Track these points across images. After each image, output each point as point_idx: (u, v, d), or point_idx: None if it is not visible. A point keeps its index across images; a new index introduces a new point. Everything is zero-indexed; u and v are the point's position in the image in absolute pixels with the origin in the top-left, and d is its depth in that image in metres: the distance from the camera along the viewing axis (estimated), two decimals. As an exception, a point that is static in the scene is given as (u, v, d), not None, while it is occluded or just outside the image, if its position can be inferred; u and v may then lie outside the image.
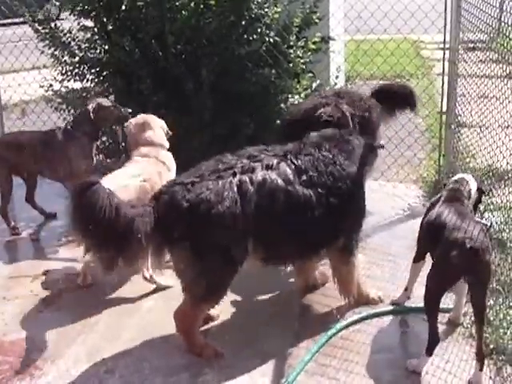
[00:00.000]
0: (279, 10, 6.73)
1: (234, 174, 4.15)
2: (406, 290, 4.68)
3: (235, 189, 4.10)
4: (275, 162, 4.27)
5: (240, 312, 4.82)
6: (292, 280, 5.19)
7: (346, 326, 4.54)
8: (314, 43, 6.99)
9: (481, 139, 5.77)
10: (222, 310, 4.70)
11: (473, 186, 4.46)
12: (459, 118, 6.45)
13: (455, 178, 4.58)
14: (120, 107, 6.15)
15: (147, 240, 4.01)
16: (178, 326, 4.31)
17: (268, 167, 4.23)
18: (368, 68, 8.56)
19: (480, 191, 4.55)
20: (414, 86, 8.77)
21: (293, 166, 4.30)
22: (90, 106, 6.08)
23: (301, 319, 4.75)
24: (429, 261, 4.29)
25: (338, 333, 4.47)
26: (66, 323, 4.81)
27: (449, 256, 3.87)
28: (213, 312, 4.64)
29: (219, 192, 4.05)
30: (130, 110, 6.14)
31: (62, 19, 7.66)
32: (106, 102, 6.25)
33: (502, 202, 5.18)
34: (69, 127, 6.23)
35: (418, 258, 4.54)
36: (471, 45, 6.40)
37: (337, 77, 7.38)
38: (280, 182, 4.21)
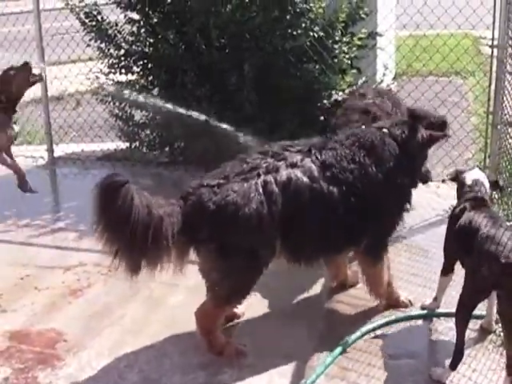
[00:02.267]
0: (324, 4, 6.64)
1: (259, 175, 4.11)
2: (435, 299, 4.53)
3: (261, 190, 4.05)
4: (299, 158, 4.21)
5: (265, 311, 4.76)
6: (320, 280, 5.10)
7: (372, 330, 4.43)
8: (359, 39, 6.88)
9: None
10: (247, 309, 4.64)
11: (486, 184, 4.30)
12: (509, 117, 6.24)
13: (468, 181, 4.36)
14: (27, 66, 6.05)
15: (174, 240, 3.99)
16: (199, 324, 4.28)
17: (292, 165, 4.17)
18: (426, 65, 8.38)
19: (494, 188, 4.43)
20: (473, 84, 8.65)
21: (317, 162, 4.23)
22: None
23: (326, 320, 4.67)
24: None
25: (363, 336, 4.37)
26: (93, 315, 4.83)
27: (480, 269, 3.71)
28: (238, 310, 4.60)
29: (245, 194, 4.02)
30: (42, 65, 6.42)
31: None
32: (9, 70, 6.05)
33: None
34: None
35: (447, 271, 4.39)
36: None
37: (384, 74, 7.24)
38: (305, 179, 4.15)
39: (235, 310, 4.56)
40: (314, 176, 4.17)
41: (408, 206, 4.59)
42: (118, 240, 3.95)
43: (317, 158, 4.24)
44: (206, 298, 4.27)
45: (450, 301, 4.40)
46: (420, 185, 6.43)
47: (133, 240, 3.88)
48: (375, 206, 4.34)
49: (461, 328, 3.89)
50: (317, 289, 5.05)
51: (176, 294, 5.02)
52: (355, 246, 4.51)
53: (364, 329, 4.40)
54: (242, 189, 4.03)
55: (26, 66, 6.04)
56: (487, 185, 4.31)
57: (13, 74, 5.99)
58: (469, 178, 4.35)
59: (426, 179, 4.93)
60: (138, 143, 7.60)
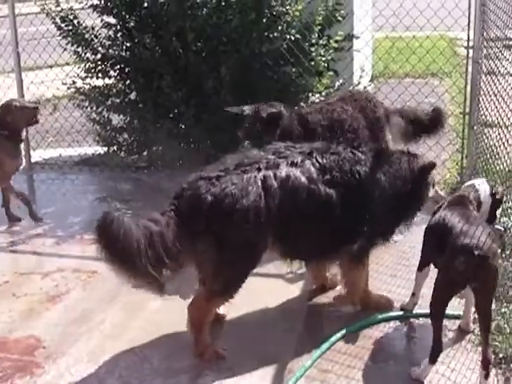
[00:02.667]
0: (300, 7, 6.65)
1: (259, 169, 4.14)
2: (413, 295, 4.57)
3: (259, 184, 4.09)
4: (300, 159, 4.25)
5: (245, 314, 4.74)
6: (300, 282, 5.11)
7: (351, 331, 4.44)
8: (336, 41, 6.91)
9: (507, 140, 5.60)
10: (228, 312, 4.64)
11: (483, 191, 4.33)
12: (484, 117, 6.29)
13: (465, 184, 4.46)
14: (30, 104, 6.23)
15: (176, 248, 4.00)
16: (190, 318, 4.26)
17: (293, 164, 4.22)
18: (402, 67, 8.42)
19: (494, 196, 4.41)
20: (449, 85, 8.70)
21: (317, 165, 4.27)
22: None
23: (306, 323, 4.67)
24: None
25: (342, 338, 4.37)
26: (72, 322, 4.80)
27: (455, 263, 3.75)
28: (221, 312, 4.60)
29: (244, 186, 4.04)
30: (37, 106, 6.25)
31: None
32: (15, 102, 6.19)
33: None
34: None
35: (423, 266, 4.43)
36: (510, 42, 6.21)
37: (360, 76, 7.27)
38: (303, 179, 4.19)
39: (218, 311, 4.55)
40: (313, 178, 4.21)
41: (406, 224, 4.68)
42: (129, 269, 3.99)
43: (317, 160, 4.28)
44: (198, 292, 4.28)
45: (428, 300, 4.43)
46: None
47: (134, 268, 3.93)
48: (371, 217, 4.37)
49: (437, 322, 3.94)
50: (297, 291, 5.05)
51: (155, 299, 4.97)
52: (343, 252, 4.51)
53: (344, 330, 4.41)
54: (240, 181, 4.05)
55: (35, 109, 6.27)
56: (484, 191, 4.34)
57: (18, 107, 6.15)
58: (468, 183, 4.49)
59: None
60: (115, 148, 7.58)
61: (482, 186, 4.35)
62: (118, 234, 3.85)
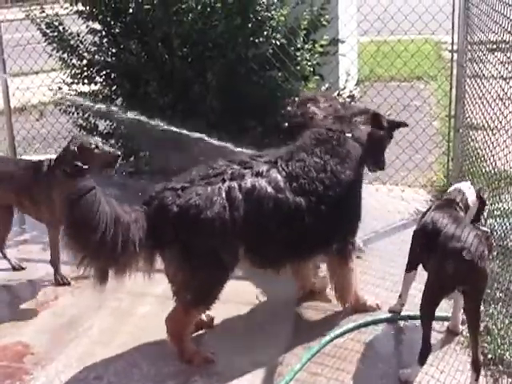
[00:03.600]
0: (285, 12, 6.67)
1: (224, 181, 4.15)
2: (400, 297, 4.59)
3: (223, 195, 4.10)
4: (265, 168, 4.26)
5: (233, 319, 4.76)
6: (289, 286, 5.11)
7: (340, 334, 4.45)
8: (321, 46, 6.93)
9: (492, 143, 5.63)
10: (216, 317, 4.64)
11: (470, 195, 4.36)
12: (470, 120, 6.32)
13: (451, 188, 4.50)
14: (107, 149, 5.33)
15: (141, 246, 4.00)
16: (169, 331, 4.27)
17: (258, 174, 4.23)
18: (388, 70, 8.45)
19: (480, 199, 4.44)
20: (434, 88, 8.75)
21: (283, 173, 4.28)
22: (72, 146, 5.18)
23: (294, 327, 4.67)
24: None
25: (331, 341, 4.39)
26: (60, 328, 4.80)
27: (445, 266, 3.79)
28: (206, 318, 4.60)
29: (208, 197, 4.06)
30: (118, 153, 5.37)
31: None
32: (89, 141, 5.31)
33: (509, 207, 5.04)
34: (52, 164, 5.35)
35: (410, 268, 4.45)
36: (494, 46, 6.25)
37: (346, 80, 7.30)
38: (269, 189, 4.20)
39: (203, 318, 4.55)
40: (279, 186, 4.22)
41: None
42: (85, 247, 3.93)
43: (283, 169, 4.30)
44: (175, 304, 4.26)
45: (417, 303, 4.44)
46: (385, 189, 6.55)
47: (100, 247, 3.88)
48: (341, 211, 4.40)
49: (426, 324, 3.97)
50: (285, 295, 5.06)
51: (144, 304, 5.01)
52: (322, 252, 4.54)
53: (333, 334, 4.43)
54: (205, 192, 4.08)
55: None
56: (471, 195, 4.37)
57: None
58: (453, 186, 4.51)
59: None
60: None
61: (469, 190, 4.39)
62: (89, 206, 3.82)
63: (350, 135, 4.58)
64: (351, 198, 4.50)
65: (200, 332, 4.57)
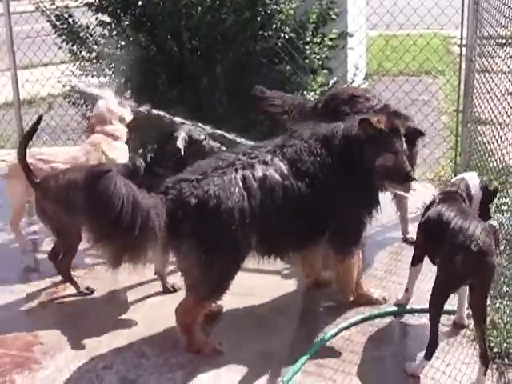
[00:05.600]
0: (294, 5, 6.69)
1: (237, 170, 4.16)
2: (406, 291, 4.60)
3: (241, 184, 4.10)
4: (269, 157, 4.29)
5: (241, 310, 4.79)
6: (295, 278, 5.14)
7: (347, 327, 4.48)
8: (330, 39, 6.94)
9: (500, 137, 5.64)
10: (224, 307, 4.68)
11: (474, 184, 4.35)
12: (478, 115, 6.33)
13: (455, 178, 4.50)
14: (210, 142, 5.15)
15: (159, 232, 3.97)
16: (179, 321, 4.29)
17: (265, 163, 4.25)
18: (396, 64, 8.45)
19: (485, 189, 4.42)
20: (442, 83, 8.76)
21: (285, 161, 4.30)
22: (181, 141, 4.97)
23: (302, 318, 4.71)
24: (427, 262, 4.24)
25: (338, 333, 4.41)
26: (69, 318, 4.85)
27: (454, 259, 3.79)
28: (215, 309, 4.63)
29: (226, 187, 4.05)
30: (218, 145, 5.15)
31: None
32: (198, 132, 5.16)
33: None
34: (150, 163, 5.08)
35: (417, 261, 4.47)
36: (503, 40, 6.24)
37: (354, 74, 7.31)
38: (277, 176, 4.23)
39: (212, 308, 4.57)
40: (284, 173, 4.25)
41: (377, 204, 4.61)
42: (101, 227, 3.92)
43: (283, 156, 4.32)
44: (186, 295, 4.28)
45: (423, 296, 4.47)
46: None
47: (117, 227, 3.84)
48: (335, 196, 4.38)
49: (434, 319, 3.97)
50: (292, 287, 5.09)
51: (153, 294, 5.04)
52: (320, 238, 4.53)
53: (339, 326, 4.45)
54: (222, 182, 4.06)
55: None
56: (475, 185, 4.36)
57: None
58: (456, 177, 4.52)
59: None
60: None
61: (472, 180, 4.38)
62: (108, 187, 3.80)
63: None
64: (350, 191, 4.42)
65: (208, 323, 4.58)
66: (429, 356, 3.94)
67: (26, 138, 5.17)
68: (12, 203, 5.77)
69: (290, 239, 4.40)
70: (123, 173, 4.74)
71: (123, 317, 4.80)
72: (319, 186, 4.32)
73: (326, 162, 4.37)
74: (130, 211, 3.83)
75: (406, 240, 5.67)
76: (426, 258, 4.35)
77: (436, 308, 3.99)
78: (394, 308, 4.65)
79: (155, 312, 4.82)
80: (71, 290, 5.15)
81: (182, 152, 4.92)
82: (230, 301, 4.50)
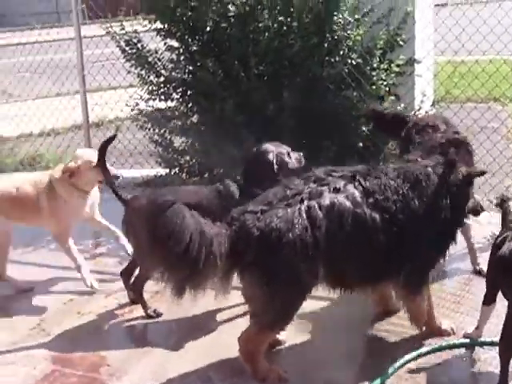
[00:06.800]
0: (361, 32, 6.68)
1: (302, 201, 4.12)
2: (477, 328, 4.48)
3: (304, 216, 4.07)
4: (342, 184, 4.23)
5: (306, 338, 4.75)
6: (362, 307, 5.09)
7: (414, 358, 4.39)
8: (397, 66, 6.90)
9: None
10: (289, 335, 4.65)
11: None
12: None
13: None
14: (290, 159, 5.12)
15: (222, 260, 4.00)
16: (242, 350, 4.27)
17: (335, 190, 4.19)
18: (464, 91, 8.37)
19: None
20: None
21: (360, 188, 4.24)
22: (272, 157, 4.99)
23: (367, 348, 4.67)
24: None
25: (405, 365, 4.33)
26: (135, 340, 4.92)
27: None
28: (280, 337, 4.60)
29: (289, 220, 4.04)
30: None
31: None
32: (285, 151, 5.12)
33: None
34: (241, 182, 5.05)
35: (489, 301, 4.31)
36: None
37: (422, 101, 7.24)
38: (348, 204, 4.16)
39: (277, 336, 4.56)
40: (357, 201, 4.19)
41: (452, 242, 4.58)
42: (167, 259, 3.96)
43: (360, 184, 4.26)
44: (250, 324, 4.28)
45: (493, 329, 4.37)
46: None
47: (184, 258, 3.89)
48: (416, 239, 4.33)
49: (505, 357, 3.86)
50: (358, 315, 5.04)
51: (219, 319, 5.05)
52: (395, 276, 4.47)
53: (406, 357, 4.36)
54: (285, 214, 4.05)
55: None
56: None
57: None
58: None
59: (477, 212, 4.90)
60: (177, 169, 7.67)
61: None
62: (174, 219, 3.85)
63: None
64: (428, 229, 4.38)
65: (273, 350, 4.56)
66: None
67: (103, 154, 5.23)
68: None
69: (361, 271, 4.33)
70: (214, 197, 4.94)
71: (190, 341, 4.80)
72: (400, 224, 4.26)
73: (413, 203, 4.32)
74: (197, 245, 3.89)
75: (476, 271, 5.56)
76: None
77: (507, 346, 3.87)
78: (463, 340, 4.55)
79: (218, 337, 4.84)
80: (138, 312, 5.19)
81: (275, 166, 4.94)
82: (294, 328, 4.47)
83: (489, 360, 4.34)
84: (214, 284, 4.16)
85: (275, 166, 4.96)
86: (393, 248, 4.27)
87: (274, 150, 5.06)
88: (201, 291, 4.11)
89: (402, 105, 6.99)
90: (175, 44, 7.37)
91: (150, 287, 5.38)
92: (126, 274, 5.25)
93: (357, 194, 4.21)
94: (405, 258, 4.38)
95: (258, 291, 4.11)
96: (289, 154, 5.11)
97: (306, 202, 4.11)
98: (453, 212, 4.44)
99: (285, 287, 4.07)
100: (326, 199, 4.14)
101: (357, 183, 4.26)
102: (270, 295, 4.08)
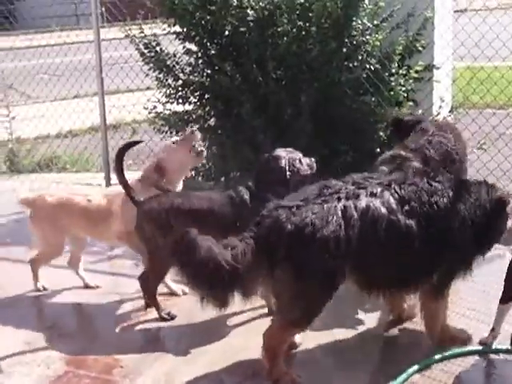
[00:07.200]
0: (380, 37, 6.66)
1: (339, 199, 4.14)
2: (492, 330, 4.46)
3: (339, 213, 4.08)
4: (379, 190, 4.24)
5: (319, 343, 4.72)
6: (376, 313, 5.06)
7: (429, 365, 4.36)
8: (416, 71, 6.88)
9: None
10: (303, 339, 4.63)
11: None
12: None
13: None
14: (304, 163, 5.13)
15: (251, 272, 4.04)
16: (266, 346, 4.25)
17: (372, 194, 4.20)
18: (483, 97, 8.33)
19: None
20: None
21: (396, 196, 4.25)
22: (284, 163, 5.00)
23: (381, 354, 4.63)
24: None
25: (419, 371, 4.30)
26: (149, 342, 4.90)
27: None
28: (296, 340, 4.60)
29: (324, 216, 4.05)
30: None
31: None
32: (297, 157, 5.12)
33: None
34: (253, 188, 5.03)
35: (506, 300, 4.33)
36: None
37: (440, 106, 7.22)
38: (383, 210, 4.17)
39: (293, 339, 4.55)
40: (392, 208, 4.19)
41: (481, 256, 4.58)
42: (202, 287, 4.09)
43: (396, 192, 4.26)
44: (273, 321, 4.28)
45: (509, 336, 4.34)
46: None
47: (209, 282, 4.02)
48: (450, 247, 4.32)
49: None
50: (372, 322, 5.01)
51: (232, 323, 5.03)
52: (422, 283, 4.45)
53: (422, 363, 4.33)
54: (321, 211, 4.06)
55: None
56: None
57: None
58: None
59: None
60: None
61: None
62: (194, 254, 3.92)
63: None
64: (462, 232, 4.35)
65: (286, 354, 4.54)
66: None
67: (120, 158, 5.23)
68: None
69: (392, 277, 4.34)
70: (227, 203, 4.97)
71: (203, 344, 4.79)
72: (435, 229, 4.26)
73: (453, 214, 4.32)
74: (215, 270, 3.94)
75: None
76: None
77: None
78: (479, 347, 4.51)
79: (232, 340, 4.82)
80: (152, 315, 5.19)
81: (288, 172, 4.94)
82: (308, 333, 4.45)
83: (505, 366, 4.33)
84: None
85: (287, 172, 4.96)
86: (423, 256, 4.27)
87: (285, 155, 5.05)
88: (252, 295, 4.21)
89: (420, 111, 6.97)
90: (194, 48, 7.39)
91: (164, 289, 5.40)
92: (143, 278, 5.24)
93: (392, 200, 4.22)
94: (436, 265, 4.37)
95: (287, 286, 4.10)
96: (300, 160, 5.09)
97: (342, 201, 4.13)
98: (491, 228, 4.45)
99: (314, 283, 4.08)
100: (363, 202, 4.16)
101: (393, 190, 4.27)
102: (299, 291, 4.08)
